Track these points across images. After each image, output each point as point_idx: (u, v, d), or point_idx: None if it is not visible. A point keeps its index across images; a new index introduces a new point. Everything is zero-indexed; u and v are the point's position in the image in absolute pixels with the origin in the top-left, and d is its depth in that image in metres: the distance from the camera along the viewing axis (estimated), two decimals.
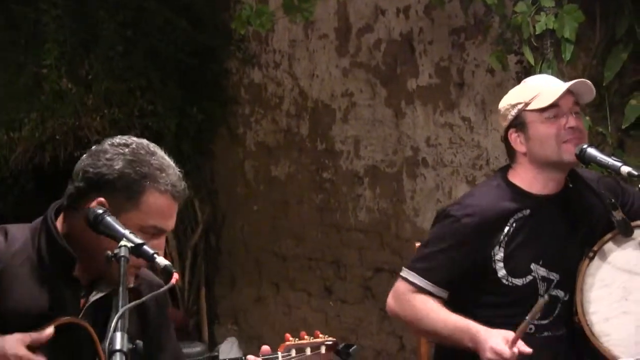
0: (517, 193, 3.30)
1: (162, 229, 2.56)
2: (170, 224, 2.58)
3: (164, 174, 2.55)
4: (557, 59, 4.31)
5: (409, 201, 5.52)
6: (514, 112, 3.30)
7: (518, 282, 3.26)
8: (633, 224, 3.25)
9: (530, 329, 3.27)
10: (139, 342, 2.19)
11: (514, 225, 3.26)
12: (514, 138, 3.31)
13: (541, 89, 3.29)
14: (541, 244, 3.28)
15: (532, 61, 4.39)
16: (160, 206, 2.54)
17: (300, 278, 6.10)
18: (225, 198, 6.57)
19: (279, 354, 2.73)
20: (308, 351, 2.78)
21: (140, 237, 2.41)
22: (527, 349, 3.07)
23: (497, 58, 4.61)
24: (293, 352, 2.76)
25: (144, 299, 2.34)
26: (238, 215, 6.50)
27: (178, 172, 2.59)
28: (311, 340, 2.80)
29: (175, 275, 2.37)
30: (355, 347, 2.80)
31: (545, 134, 3.25)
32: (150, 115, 6.13)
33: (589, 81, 3.30)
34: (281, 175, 6.22)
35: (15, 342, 2.44)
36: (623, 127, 4.34)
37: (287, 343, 2.76)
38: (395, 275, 5.39)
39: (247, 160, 6.42)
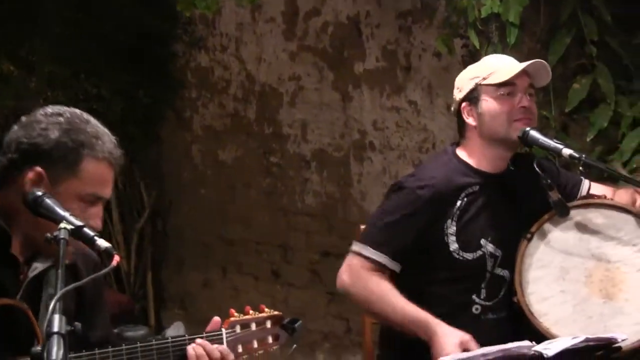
0: (467, 169, 3.35)
1: (100, 196, 2.55)
2: (108, 191, 2.58)
3: (100, 142, 2.54)
4: (502, 42, 4.33)
5: (356, 185, 5.53)
6: (470, 85, 3.34)
7: (469, 256, 3.29)
8: (570, 204, 3.29)
9: (477, 309, 3.30)
10: (77, 324, 2.17)
11: (465, 199, 3.30)
12: (467, 111, 3.35)
13: (499, 66, 3.34)
14: (490, 220, 3.32)
15: (477, 45, 4.41)
16: (98, 174, 2.53)
17: (248, 262, 6.09)
18: (172, 182, 6.54)
19: (223, 331, 2.71)
20: (253, 326, 2.76)
21: (79, 206, 2.43)
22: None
23: (443, 42, 4.63)
24: (238, 328, 2.73)
25: (83, 281, 2.34)
26: (185, 199, 6.46)
27: (113, 140, 2.59)
28: (256, 316, 2.78)
29: (116, 257, 2.35)
30: (300, 321, 2.79)
31: (497, 110, 3.29)
32: (95, 99, 6.06)
33: (546, 63, 3.33)
34: (228, 159, 6.19)
35: None
36: (566, 110, 4.38)
37: (232, 319, 2.74)
38: (342, 258, 5.44)
39: (194, 144, 6.38)
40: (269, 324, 2.78)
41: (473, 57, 4.42)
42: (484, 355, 2.44)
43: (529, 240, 3.30)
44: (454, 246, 3.28)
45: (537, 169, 3.28)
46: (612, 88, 4.27)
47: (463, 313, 3.24)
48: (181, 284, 6.49)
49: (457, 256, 3.29)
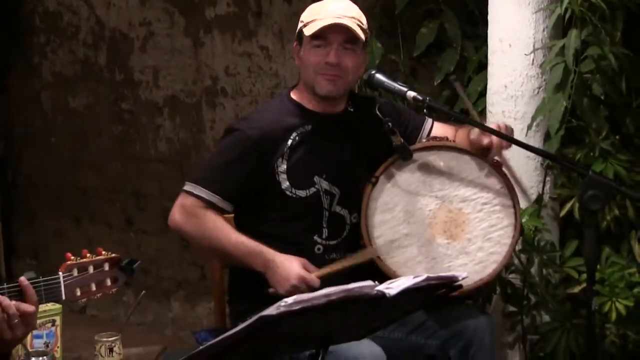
0: (299, 109, 3.38)
1: None
2: None
3: None
4: None
5: (209, 131, 5.50)
6: (299, 26, 3.34)
7: (302, 193, 3.34)
8: (412, 147, 3.34)
9: (319, 249, 3.34)
10: None
11: (297, 138, 3.33)
12: (296, 51, 3.39)
13: (320, 16, 3.30)
14: (324, 159, 3.36)
15: None
16: None
17: (101, 210, 6.01)
18: (21, 131, 6.38)
19: (60, 275, 2.63)
20: (91, 269, 2.69)
21: None
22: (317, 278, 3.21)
23: None
24: (75, 272, 2.66)
25: None
26: (35, 148, 6.32)
27: None
28: (94, 258, 2.71)
29: None
30: (138, 262, 2.76)
31: (307, 61, 3.33)
32: None
33: (352, 25, 3.27)
34: (79, 106, 6.07)
35: None
36: (414, 55, 4.43)
37: (69, 263, 2.66)
38: None
39: (44, 91, 6.23)
40: (107, 267, 2.73)
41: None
42: (326, 295, 2.45)
43: (374, 184, 3.34)
44: (285, 184, 3.32)
45: (378, 113, 3.31)
46: (459, 33, 4.34)
47: (305, 253, 3.27)
48: (33, 234, 6.37)
49: (290, 194, 3.33)
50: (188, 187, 3.34)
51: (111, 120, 5.91)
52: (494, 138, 3.31)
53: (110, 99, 5.90)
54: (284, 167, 3.31)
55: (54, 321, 3.47)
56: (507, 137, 3.31)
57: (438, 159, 3.35)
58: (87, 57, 5.98)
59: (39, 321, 3.44)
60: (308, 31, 3.28)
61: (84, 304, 2.71)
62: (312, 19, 3.30)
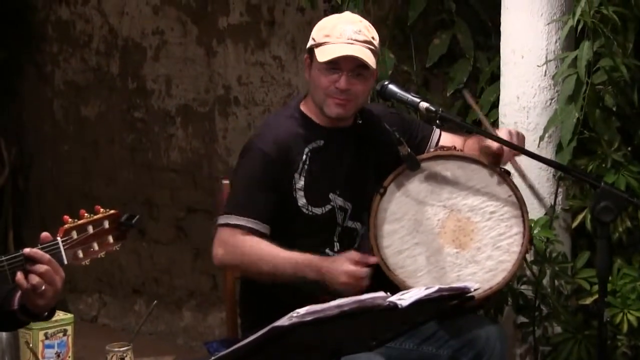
0: (309, 123, 3.36)
1: None
2: None
3: None
4: None
5: (221, 140, 5.51)
6: (310, 43, 3.32)
7: (317, 211, 3.32)
8: (419, 157, 3.34)
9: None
10: None
11: (309, 154, 3.31)
12: (307, 65, 3.35)
13: (332, 39, 3.25)
14: (337, 175, 3.35)
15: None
16: None
17: None
18: (33, 138, 6.40)
19: (59, 239, 2.57)
20: (90, 229, 2.61)
21: None
22: (373, 259, 3.22)
23: None
24: (74, 234, 2.58)
25: None
26: (47, 156, 6.34)
27: None
28: (92, 218, 2.62)
29: None
30: (137, 217, 2.68)
31: (317, 81, 3.29)
32: None
33: (364, 54, 3.23)
34: (91, 115, 6.09)
35: None
36: (427, 65, 4.44)
37: (66, 226, 2.59)
38: (208, 214, 5.42)
39: (56, 99, 6.25)
40: (107, 224, 2.64)
41: (335, 11, 4.40)
42: (338, 306, 2.45)
43: (382, 194, 3.34)
44: (302, 201, 3.30)
45: (385, 125, 3.31)
46: (471, 43, 4.34)
47: None
48: None
49: (306, 211, 3.31)
50: (222, 219, 3.29)
51: (123, 129, 5.93)
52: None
53: (123, 107, 5.92)
54: (301, 183, 3.29)
55: (65, 331, 3.48)
56: (517, 147, 3.31)
57: (445, 169, 3.34)
58: (100, 65, 6.00)
59: (50, 331, 3.44)
60: (319, 56, 3.23)
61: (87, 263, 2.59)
62: (324, 41, 3.25)
